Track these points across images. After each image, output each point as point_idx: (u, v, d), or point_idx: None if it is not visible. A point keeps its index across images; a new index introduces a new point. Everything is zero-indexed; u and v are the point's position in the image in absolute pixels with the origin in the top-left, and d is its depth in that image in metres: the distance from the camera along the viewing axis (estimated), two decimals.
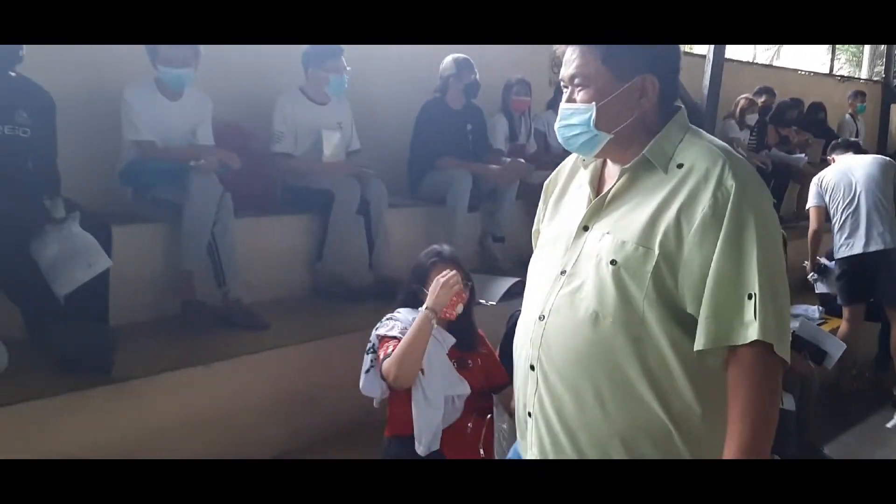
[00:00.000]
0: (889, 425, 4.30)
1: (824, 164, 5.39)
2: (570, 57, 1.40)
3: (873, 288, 4.47)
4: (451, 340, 2.51)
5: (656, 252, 1.30)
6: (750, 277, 1.25)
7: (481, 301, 3.53)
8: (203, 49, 3.37)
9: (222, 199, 3.25)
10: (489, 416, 2.47)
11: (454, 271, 2.46)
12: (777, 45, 14.58)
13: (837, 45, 12.56)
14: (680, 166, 1.34)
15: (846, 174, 4.59)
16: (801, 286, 5.02)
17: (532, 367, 1.43)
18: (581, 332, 1.35)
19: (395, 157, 4.52)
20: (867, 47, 13.68)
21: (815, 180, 4.80)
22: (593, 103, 1.37)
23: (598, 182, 1.47)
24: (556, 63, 1.44)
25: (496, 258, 4.53)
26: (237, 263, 3.32)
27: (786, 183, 6.71)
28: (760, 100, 6.74)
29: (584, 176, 1.50)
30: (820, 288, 5.03)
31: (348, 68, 3.88)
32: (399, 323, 2.47)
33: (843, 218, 4.51)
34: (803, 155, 6.85)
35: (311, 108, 3.91)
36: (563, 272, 1.41)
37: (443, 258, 2.57)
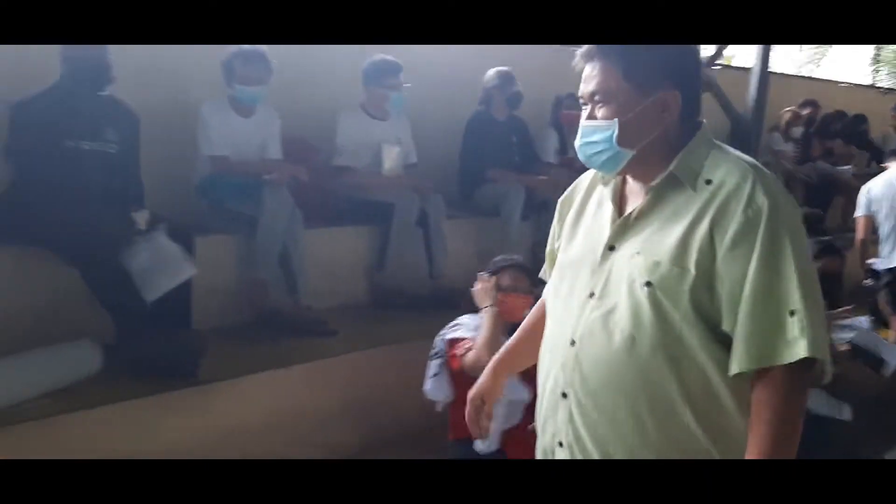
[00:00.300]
0: None
1: (868, 176, 5.38)
2: (591, 73, 1.36)
3: None
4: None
5: (692, 272, 1.27)
6: (791, 294, 1.23)
7: None
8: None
9: (293, 212, 3.38)
10: None
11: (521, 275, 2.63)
12: (818, 57, 14.45)
13: (879, 58, 12.47)
14: (709, 182, 1.31)
15: (892, 185, 4.60)
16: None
17: (564, 395, 1.38)
18: (618, 355, 1.32)
19: (441, 169, 4.58)
20: None
21: (863, 190, 4.82)
22: (615, 120, 1.34)
23: (619, 200, 1.43)
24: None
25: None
26: (308, 273, 3.44)
27: (831, 195, 6.71)
28: (805, 112, 6.75)
29: (603, 193, 1.46)
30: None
31: (407, 85, 4.00)
32: (464, 327, 2.61)
33: (887, 229, 4.53)
34: (849, 167, 6.84)
35: (371, 123, 4.03)
36: (591, 294, 1.37)
37: (514, 264, 2.71)
